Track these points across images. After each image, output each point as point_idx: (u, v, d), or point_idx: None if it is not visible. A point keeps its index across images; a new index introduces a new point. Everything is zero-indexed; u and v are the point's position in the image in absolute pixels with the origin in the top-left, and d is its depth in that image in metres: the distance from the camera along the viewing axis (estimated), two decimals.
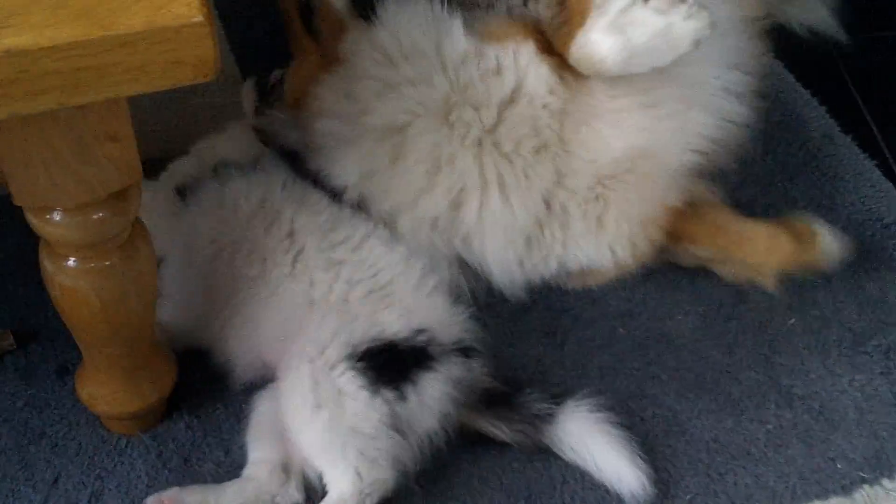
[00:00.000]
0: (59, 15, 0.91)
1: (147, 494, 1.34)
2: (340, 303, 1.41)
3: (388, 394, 1.32)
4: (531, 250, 1.51)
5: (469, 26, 1.47)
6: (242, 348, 1.43)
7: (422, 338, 1.38)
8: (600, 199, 1.49)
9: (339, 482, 1.29)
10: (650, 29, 1.35)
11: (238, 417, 1.43)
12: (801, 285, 1.61)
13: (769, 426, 1.46)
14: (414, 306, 1.43)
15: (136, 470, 1.38)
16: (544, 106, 1.45)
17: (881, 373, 1.52)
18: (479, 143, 1.46)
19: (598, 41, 1.37)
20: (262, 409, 1.39)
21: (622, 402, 1.47)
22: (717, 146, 1.52)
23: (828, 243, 1.55)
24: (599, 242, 1.52)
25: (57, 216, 1.13)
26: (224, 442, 1.42)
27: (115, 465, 1.39)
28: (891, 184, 1.78)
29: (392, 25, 1.49)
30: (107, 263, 1.19)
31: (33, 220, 1.14)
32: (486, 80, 1.46)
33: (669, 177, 1.50)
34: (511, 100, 1.46)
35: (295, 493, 1.33)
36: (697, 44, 1.36)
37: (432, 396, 1.35)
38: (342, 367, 1.33)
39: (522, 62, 1.45)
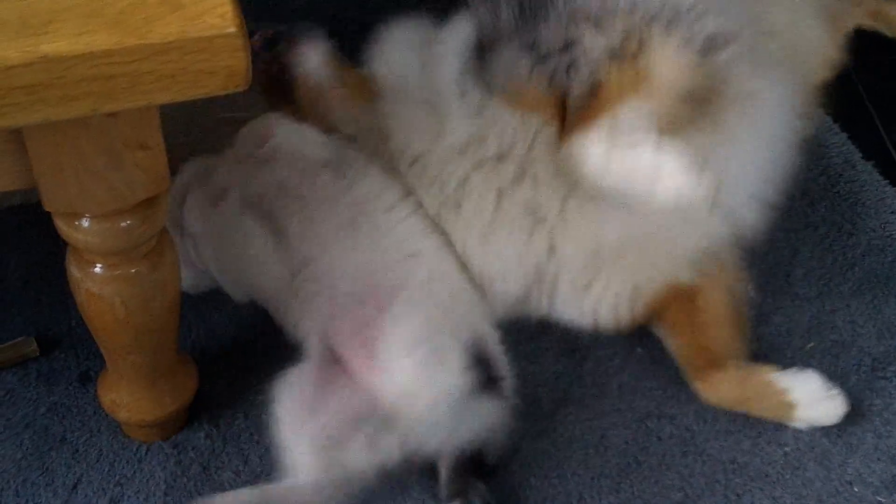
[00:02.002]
0: (95, 23, 0.92)
1: (164, 502, 1.35)
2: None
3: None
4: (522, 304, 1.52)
5: (483, 87, 1.46)
6: None
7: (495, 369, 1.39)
8: (590, 269, 1.48)
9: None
10: (635, 162, 1.31)
11: (258, 427, 1.44)
12: (819, 310, 1.61)
13: (787, 448, 1.46)
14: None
15: (154, 477, 1.39)
16: (548, 187, 1.44)
17: None
18: (485, 221, 1.47)
19: (589, 147, 1.35)
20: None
21: (640, 421, 1.48)
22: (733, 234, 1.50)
23: (807, 415, 1.48)
24: (582, 307, 1.51)
25: (86, 223, 1.14)
26: (243, 451, 1.43)
27: (134, 473, 1.40)
28: None
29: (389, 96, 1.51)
30: (133, 271, 1.20)
31: (62, 226, 1.15)
32: (484, 167, 1.46)
33: (669, 259, 1.49)
34: (512, 184, 1.45)
35: None
36: (677, 205, 1.31)
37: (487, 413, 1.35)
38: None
39: (533, 143, 1.43)
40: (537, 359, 1.54)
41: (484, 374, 1.33)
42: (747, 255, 1.59)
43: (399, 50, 1.53)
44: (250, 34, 1.45)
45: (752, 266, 1.62)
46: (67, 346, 1.52)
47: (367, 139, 1.53)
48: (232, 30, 0.94)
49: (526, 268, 1.48)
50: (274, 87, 1.56)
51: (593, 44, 1.38)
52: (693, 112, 1.38)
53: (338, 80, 1.54)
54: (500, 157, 1.45)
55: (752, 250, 1.60)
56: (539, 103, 1.42)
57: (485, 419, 1.35)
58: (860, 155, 1.86)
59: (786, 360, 1.54)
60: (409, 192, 1.49)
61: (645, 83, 1.34)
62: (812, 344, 1.59)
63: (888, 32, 1.81)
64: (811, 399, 1.46)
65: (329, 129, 1.53)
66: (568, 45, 1.39)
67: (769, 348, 1.57)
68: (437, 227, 1.48)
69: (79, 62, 0.92)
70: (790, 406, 1.46)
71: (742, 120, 1.43)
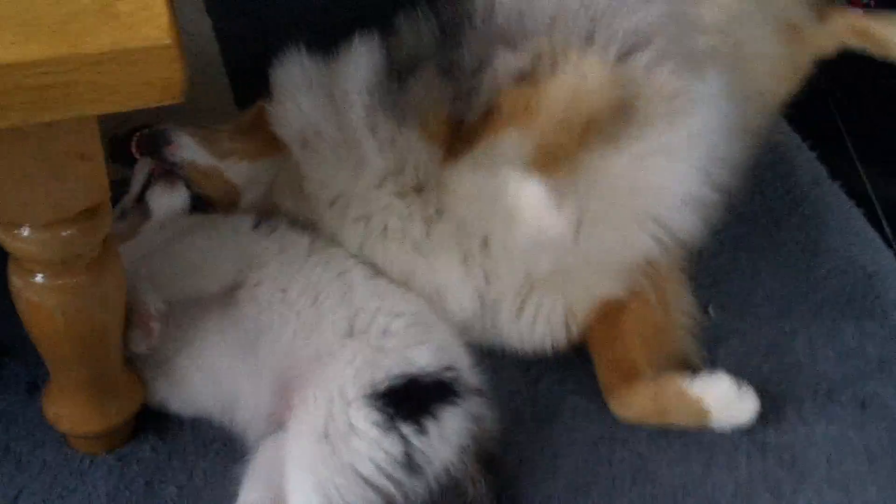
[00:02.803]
0: (29, 32, 0.90)
1: None
2: (379, 334, 1.39)
3: (406, 428, 1.29)
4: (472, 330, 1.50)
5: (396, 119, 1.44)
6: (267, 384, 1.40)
7: (449, 374, 1.36)
8: (522, 293, 1.48)
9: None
10: (497, 194, 1.31)
11: (204, 442, 1.43)
12: (778, 331, 1.60)
13: (739, 475, 1.44)
14: (445, 345, 1.41)
15: (97, 490, 1.37)
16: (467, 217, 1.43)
17: (854, 424, 1.50)
18: (420, 250, 1.47)
19: (458, 174, 1.36)
20: (266, 455, 1.35)
21: (592, 444, 1.46)
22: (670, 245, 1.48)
23: (722, 418, 1.46)
24: (520, 331, 1.50)
25: (25, 232, 1.12)
26: (188, 465, 1.41)
27: (76, 485, 1.38)
28: (876, 233, 1.77)
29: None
30: (74, 281, 1.18)
31: (1, 235, 1.13)
32: (406, 198, 1.45)
33: (600, 276, 1.48)
34: (436, 214, 1.44)
35: None
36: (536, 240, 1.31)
37: (452, 431, 1.32)
38: (360, 403, 1.30)
39: (448, 174, 1.42)
40: (492, 376, 1.50)
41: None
42: (707, 274, 1.58)
43: (296, 92, 1.50)
44: (122, 142, 1.50)
45: (713, 285, 1.61)
46: (17, 354, 1.49)
47: (282, 192, 1.52)
48: (167, 41, 0.92)
49: (469, 292, 1.47)
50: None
51: (504, 65, 1.38)
52: (611, 126, 1.37)
53: (225, 151, 1.52)
54: (419, 189, 1.44)
55: (712, 269, 1.59)
56: (440, 131, 1.41)
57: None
58: (827, 174, 1.85)
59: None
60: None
61: (537, 108, 1.33)
62: (768, 366, 1.58)
63: (874, 51, 1.78)
64: (724, 402, 1.45)
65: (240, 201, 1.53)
66: (480, 68, 1.39)
67: (725, 369, 1.54)
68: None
69: (11, 71, 0.89)
70: (705, 412, 1.45)
71: (664, 123, 1.41)
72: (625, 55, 1.41)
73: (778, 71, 1.67)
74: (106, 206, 1.16)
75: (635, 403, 1.46)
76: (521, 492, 1.41)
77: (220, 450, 1.42)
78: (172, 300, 1.37)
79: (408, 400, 1.31)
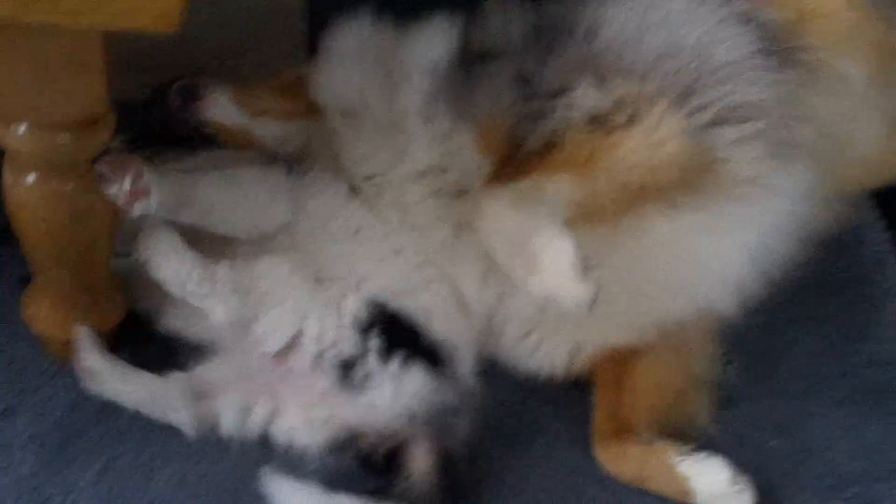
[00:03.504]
0: None
1: (57, 428, 1.32)
2: (421, 279, 1.39)
3: (375, 343, 1.29)
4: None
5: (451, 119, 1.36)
6: None
7: (447, 352, 1.34)
8: (532, 321, 1.41)
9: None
10: (522, 242, 1.21)
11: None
12: (797, 409, 1.50)
13: None
14: (462, 332, 1.39)
15: (55, 399, 1.36)
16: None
17: None
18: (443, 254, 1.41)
19: (491, 203, 1.26)
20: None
21: (567, 473, 1.41)
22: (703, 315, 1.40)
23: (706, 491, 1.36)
24: (519, 353, 1.44)
25: (21, 129, 1.10)
26: None
27: (38, 387, 1.37)
28: None
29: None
30: (64, 188, 1.17)
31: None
32: (442, 199, 1.38)
33: (616, 324, 1.40)
34: (469, 224, 1.35)
35: (189, 419, 1.32)
36: (545, 293, 1.20)
37: (410, 387, 1.30)
38: (362, 295, 1.31)
39: (486, 198, 1.30)
40: (483, 383, 1.45)
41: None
42: (737, 330, 1.48)
43: (350, 60, 1.41)
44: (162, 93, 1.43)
45: (741, 343, 1.52)
46: (17, 245, 1.47)
47: (319, 156, 1.45)
48: None
49: (479, 303, 1.41)
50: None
51: (583, 101, 1.27)
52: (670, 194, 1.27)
53: (259, 109, 1.45)
54: (460, 194, 1.37)
55: (744, 326, 1.49)
56: (496, 145, 1.31)
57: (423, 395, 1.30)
58: (895, 258, 1.72)
59: (742, 452, 1.42)
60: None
61: (600, 163, 1.24)
62: (776, 441, 1.48)
63: None
64: (713, 491, 1.35)
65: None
66: (560, 92, 1.29)
67: (729, 434, 1.46)
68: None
69: None
70: (691, 493, 1.35)
71: (732, 206, 1.31)
72: (716, 124, 1.31)
73: (875, 171, 1.56)
74: (107, 121, 1.13)
75: (620, 461, 1.39)
76: None
77: None
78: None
79: (395, 334, 1.30)
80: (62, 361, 1.39)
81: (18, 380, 1.37)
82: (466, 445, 1.33)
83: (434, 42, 1.39)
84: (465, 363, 1.37)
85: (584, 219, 1.24)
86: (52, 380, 1.38)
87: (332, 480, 1.28)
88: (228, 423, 1.31)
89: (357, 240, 1.40)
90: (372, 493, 1.27)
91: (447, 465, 1.30)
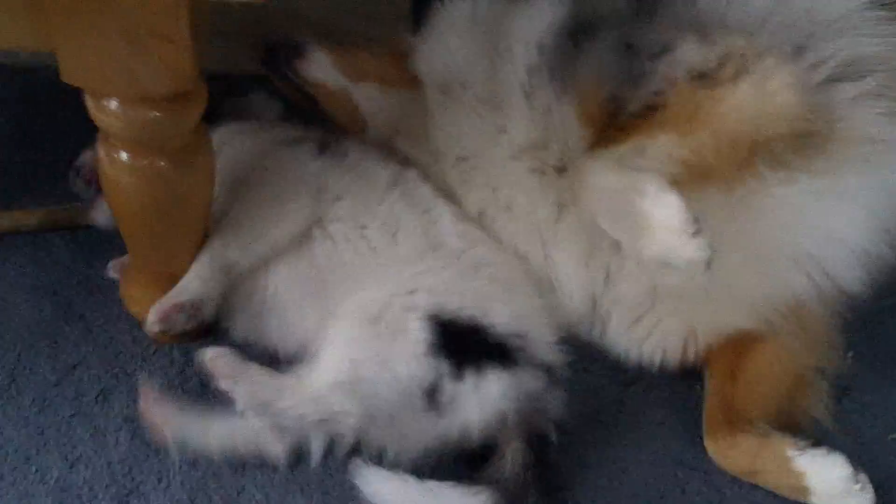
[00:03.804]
0: None
1: (154, 410, 1.30)
2: (467, 268, 1.33)
3: (445, 366, 1.22)
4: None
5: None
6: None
7: (516, 341, 1.27)
8: (643, 306, 1.35)
9: (323, 371, 1.21)
10: (629, 204, 1.17)
11: (273, 358, 1.37)
12: None
13: None
14: (525, 313, 1.32)
15: (153, 378, 1.35)
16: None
17: None
18: (543, 235, 1.35)
19: (595, 170, 1.22)
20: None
21: (670, 465, 1.33)
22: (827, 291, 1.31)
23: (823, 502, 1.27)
24: (629, 340, 1.38)
25: (112, 105, 1.10)
26: None
27: (135, 369, 1.36)
28: None
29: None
30: (157, 166, 1.16)
31: (91, 105, 1.11)
32: (544, 177, 1.32)
33: (734, 308, 1.33)
34: (573, 201, 1.30)
35: (280, 452, 1.25)
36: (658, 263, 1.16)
37: (492, 392, 1.24)
38: (419, 314, 1.24)
39: (589, 164, 1.26)
40: (583, 366, 1.39)
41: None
42: (857, 315, 1.40)
43: (453, 33, 1.37)
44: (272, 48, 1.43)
45: (861, 329, 1.43)
46: None
47: (405, 136, 1.42)
48: None
49: (582, 290, 1.35)
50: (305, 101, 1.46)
51: (686, 56, 1.21)
52: (786, 153, 1.20)
53: (360, 72, 1.42)
54: (562, 170, 1.31)
55: (865, 311, 1.41)
56: (596, 112, 1.26)
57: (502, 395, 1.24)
58: None
59: (858, 445, 1.35)
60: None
61: (706, 119, 1.18)
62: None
63: None
64: (831, 489, 1.25)
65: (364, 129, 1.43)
66: (662, 52, 1.23)
67: (845, 425, 1.38)
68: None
69: None
70: (806, 490, 1.27)
71: (855, 167, 1.23)
72: (833, 81, 1.24)
73: None
74: (197, 96, 1.11)
75: (733, 454, 1.31)
76: (575, 494, 1.29)
77: (284, 370, 1.36)
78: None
79: (462, 343, 1.24)
80: (161, 342, 1.38)
81: (116, 361, 1.36)
82: (560, 429, 1.27)
83: (541, 14, 1.35)
84: (540, 343, 1.30)
85: (692, 179, 1.18)
86: (147, 362, 1.37)
87: (422, 468, 1.24)
88: (318, 452, 1.26)
89: (395, 241, 1.35)
90: (463, 480, 1.23)
91: (539, 449, 1.25)
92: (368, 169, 1.39)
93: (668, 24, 1.26)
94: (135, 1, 0.96)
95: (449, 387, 1.22)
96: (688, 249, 1.13)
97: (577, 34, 1.32)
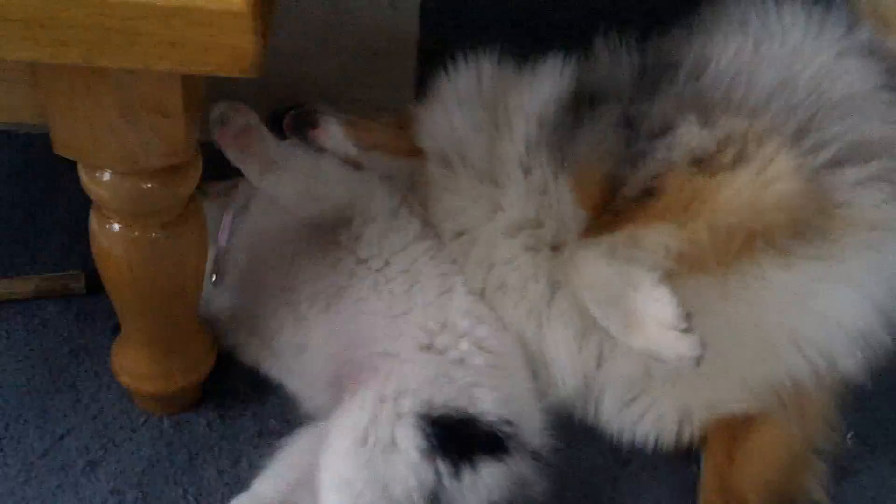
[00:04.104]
0: None
1: (140, 482, 1.30)
2: (456, 360, 1.30)
3: (443, 466, 1.19)
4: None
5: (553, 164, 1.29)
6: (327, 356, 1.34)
7: (506, 429, 1.24)
8: (636, 387, 1.32)
9: None
10: (620, 297, 1.16)
11: (261, 432, 1.37)
12: None
13: None
14: (515, 398, 1.30)
15: (140, 452, 1.33)
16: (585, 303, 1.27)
17: None
18: (536, 315, 1.33)
19: (588, 257, 1.20)
20: (296, 448, 1.28)
21: None
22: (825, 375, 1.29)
23: None
24: (623, 421, 1.34)
25: (105, 177, 1.09)
26: (236, 452, 1.35)
27: (123, 441, 1.34)
28: None
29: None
30: (148, 237, 1.14)
31: (84, 177, 1.10)
32: (538, 255, 1.31)
33: (730, 389, 1.31)
34: (567, 281, 1.28)
35: None
36: (647, 350, 1.15)
37: (487, 486, 1.21)
38: (407, 419, 1.21)
39: (581, 252, 1.25)
40: (580, 444, 1.37)
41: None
42: (856, 395, 1.38)
43: (455, 104, 1.36)
44: (279, 119, 1.42)
45: (859, 410, 1.41)
46: None
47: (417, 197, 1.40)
48: (238, 8, 0.85)
49: (575, 370, 1.32)
50: None
51: (686, 139, 1.20)
52: (783, 239, 1.19)
53: (371, 143, 1.42)
54: (556, 249, 1.30)
55: (863, 392, 1.39)
56: (592, 193, 1.25)
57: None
58: None
59: None
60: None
61: (703, 208, 1.16)
62: None
63: None
64: None
65: None
66: (662, 132, 1.22)
67: None
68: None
69: (73, 5, 0.85)
70: None
71: (856, 252, 1.22)
72: (836, 164, 1.23)
73: None
74: (191, 167, 1.11)
75: None
76: None
77: (274, 443, 1.34)
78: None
79: (454, 437, 1.20)
80: (148, 414, 1.37)
81: (104, 432, 1.35)
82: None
83: (543, 87, 1.34)
84: (530, 428, 1.27)
85: (686, 268, 1.17)
86: (135, 433, 1.35)
87: None
88: None
89: (411, 293, 1.34)
90: None
91: None
92: (405, 214, 1.39)
93: (669, 100, 1.26)
94: (128, 74, 0.95)
95: (448, 488, 1.18)
96: (679, 346, 1.12)
97: (578, 108, 1.31)
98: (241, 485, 1.29)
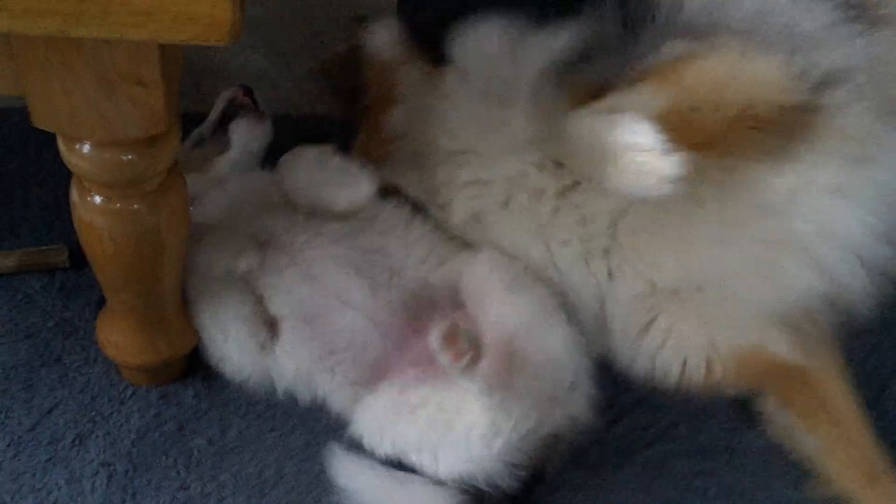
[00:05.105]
0: None
1: (130, 453, 1.30)
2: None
3: None
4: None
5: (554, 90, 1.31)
6: None
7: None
8: (651, 309, 1.33)
9: None
10: (605, 134, 1.15)
11: (249, 400, 1.37)
12: None
13: None
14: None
15: (128, 424, 1.33)
16: (599, 200, 1.30)
17: None
18: (539, 229, 1.35)
19: (578, 115, 1.21)
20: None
21: None
22: (829, 304, 1.31)
23: None
24: (638, 349, 1.35)
25: (85, 149, 1.08)
26: (225, 420, 1.35)
27: (111, 413, 1.34)
28: None
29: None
30: (129, 208, 1.14)
31: (63, 149, 1.09)
32: (543, 171, 1.33)
33: (751, 312, 1.32)
34: (571, 187, 1.31)
35: None
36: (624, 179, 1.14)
37: None
38: None
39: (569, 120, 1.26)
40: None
41: None
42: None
43: (484, 41, 1.38)
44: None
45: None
46: None
47: (418, 126, 1.41)
48: None
49: (587, 287, 1.34)
50: (346, 68, 1.48)
51: (672, 49, 1.23)
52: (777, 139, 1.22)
53: (404, 57, 1.44)
54: (560, 164, 1.32)
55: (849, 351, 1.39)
56: (584, 95, 1.25)
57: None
58: None
59: None
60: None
61: (687, 72, 1.19)
62: None
63: None
64: None
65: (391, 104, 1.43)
66: (651, 50, 1.24)
67: None
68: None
69: None
70: None
71: (850, 162, 1.25)
72: (821, 87, 1.25)
73: None
74: (170, 138, 1.10)
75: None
76: None
77: (262, 413, 1.36)
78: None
79: None
80: (135, 385, 1.36)
81: (92, 405, 1.35)
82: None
83: (559, 38, 1.35)
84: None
85: (678, 144, 1.15)
86: (123, 405, 1.35)
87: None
88: None
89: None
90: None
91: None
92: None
93: (655, 34, 1.28)
94: (105, 44, 0.94)
95: None
96: (659, 166, 1.11)
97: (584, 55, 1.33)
98: (230, 453, 1.31)
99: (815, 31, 1.29)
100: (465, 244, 1.39)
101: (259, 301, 1.31)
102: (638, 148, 1.11)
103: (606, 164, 1.14)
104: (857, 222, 1.27)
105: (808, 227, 1.27)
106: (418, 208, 1.42)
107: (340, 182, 1.36)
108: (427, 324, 1.30)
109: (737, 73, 1.19)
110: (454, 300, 1.34)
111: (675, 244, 1.29)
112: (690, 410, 1.40)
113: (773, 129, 1.21)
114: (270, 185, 1.40)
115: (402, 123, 1.42)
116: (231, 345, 1.30)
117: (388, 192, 1.43)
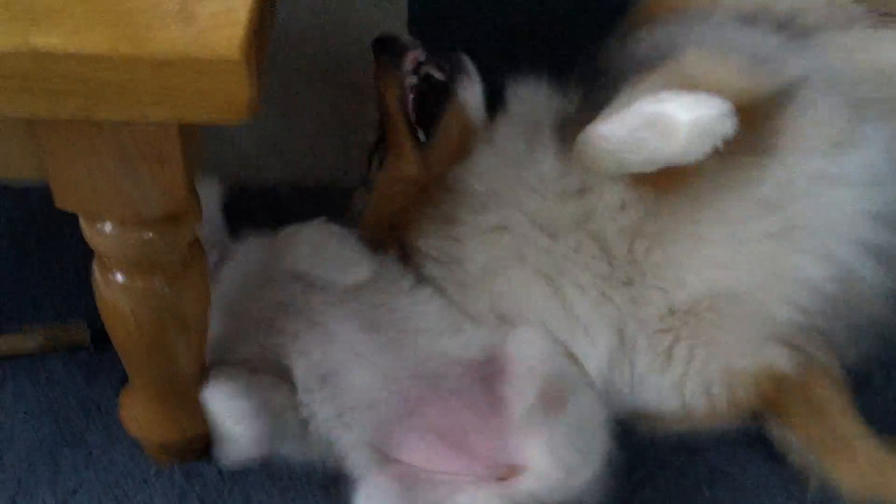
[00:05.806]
0: (95, 21, 0.86)
1: None
2: None
3: None
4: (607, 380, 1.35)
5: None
6: None
7: None
8: (671, 332, 1.32)
9: None
10: (637, 119, 1.19)
11: (271, 476, 1.36)
12: None
13: None
14: None
15: (153, 502, 1.32)
16: (614, 222, 1.31)
17: None
18: (551, 275, 1.35)
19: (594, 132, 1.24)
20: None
21: None
22: (837, 304, 1.31)
23: None
24: (665, 380, 1.34)
25: (107, 228, 1.08)
26: (247, 498, 1.34)
27: (136, 493, 1.34)
28: None
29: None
30: (150, 287, 1.14)
31: (85, 228, 1.10)
32: (565, 204, 1.34)
33: (762, 328, 1.31)
34: (585, 218, 1.33)
35: None
36: (697, 137, 1.16)
37: None
38: None
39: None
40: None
41: None
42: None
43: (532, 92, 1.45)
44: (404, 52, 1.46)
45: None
46: None
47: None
48: (235, 57, 0.85)
49: (607, 322, 1.34)
50: (409, 106, 1.47)
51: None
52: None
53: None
54: (583, 192, 1.34)
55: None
56: None
57: None
58: None
59: None
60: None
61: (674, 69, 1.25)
62: None
63: None
64: None
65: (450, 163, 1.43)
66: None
67: None
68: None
69: (70, 62, 0.85)
70: None
71: (838, 153, 1.29)
72: (785, 90, 1.30)
73: None
74: (190, 216, 1.11)
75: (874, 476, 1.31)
76: None
77: (285, 488, 1.34)
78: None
79: None
80: (159, 464, 1.36)
81: (116, 485, 1.34)
82: None
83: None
84: None
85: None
86: (147, 484, 1.35)
87: None
88: None
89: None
90: None
91: None
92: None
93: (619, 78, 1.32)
94: (125, 125, 0.95)
95: None
96: (709, 104, 1.15)
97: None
98: None
99: (766, 53, 1.35)
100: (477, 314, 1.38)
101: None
102: (678, 105, 1.16)
103: (661, 133, 1.17)
104: (852, 208, 1.30)
105: (807, 217, 1.29)
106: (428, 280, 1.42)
107: (342, 262, 1.36)
108: (443, 394, 1.29)
109: (706, 69, 1.24)
110: (472, 373, 1.33)
111: (689, 251, 1.30)
112: (711, 471, 1.38)
113: (748, 120, 1.22)
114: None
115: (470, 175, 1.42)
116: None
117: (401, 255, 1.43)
